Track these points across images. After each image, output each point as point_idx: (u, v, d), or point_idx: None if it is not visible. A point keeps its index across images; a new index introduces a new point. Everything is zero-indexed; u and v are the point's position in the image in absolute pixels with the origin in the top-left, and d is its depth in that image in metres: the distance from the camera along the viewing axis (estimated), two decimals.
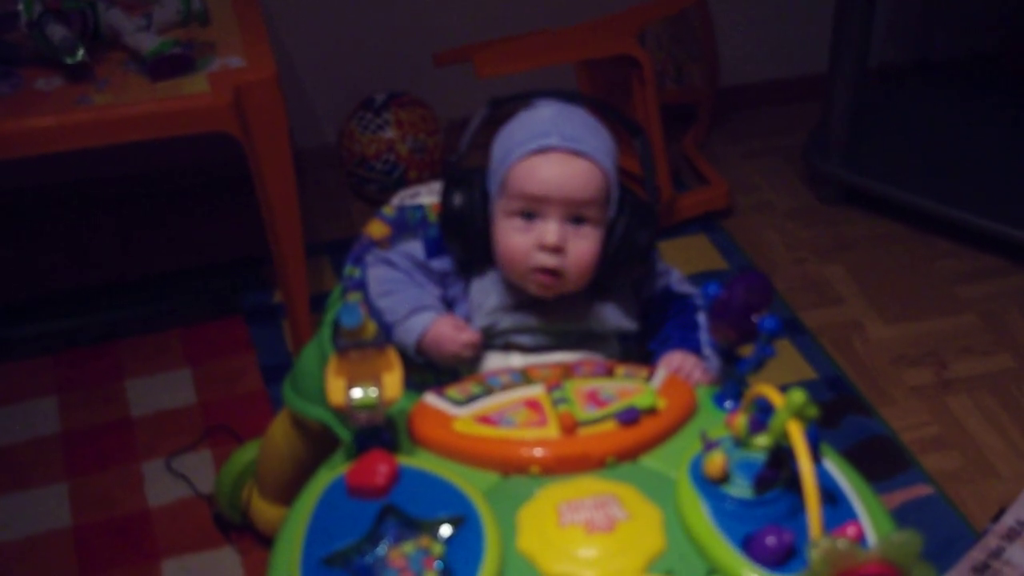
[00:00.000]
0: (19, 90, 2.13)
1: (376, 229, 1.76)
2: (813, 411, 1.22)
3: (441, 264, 1.62)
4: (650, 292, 1.65)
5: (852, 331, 2.62)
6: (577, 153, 1.49)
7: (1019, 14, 3.46)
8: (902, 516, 2.13)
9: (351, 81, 3.04)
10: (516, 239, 1.52)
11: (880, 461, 2.27)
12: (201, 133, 2.13)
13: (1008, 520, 2.14)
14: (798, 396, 1.20)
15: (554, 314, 1.58)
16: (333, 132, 3.03)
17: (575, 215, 1.50)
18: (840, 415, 2.36)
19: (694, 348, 1.58)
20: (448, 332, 1.54)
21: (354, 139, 2.89)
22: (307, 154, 3.09)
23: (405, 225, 1.75)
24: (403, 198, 1.78)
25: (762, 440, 1.27)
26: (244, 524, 2.09)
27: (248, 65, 2.18)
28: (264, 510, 2.02)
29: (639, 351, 1.66)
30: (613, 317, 1.60)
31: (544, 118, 1.52)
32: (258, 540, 2.09)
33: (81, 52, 2.11)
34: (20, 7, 2.10)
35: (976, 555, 2.08)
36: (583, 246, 1.52)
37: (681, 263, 2.74)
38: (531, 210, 1.50)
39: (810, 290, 2.75)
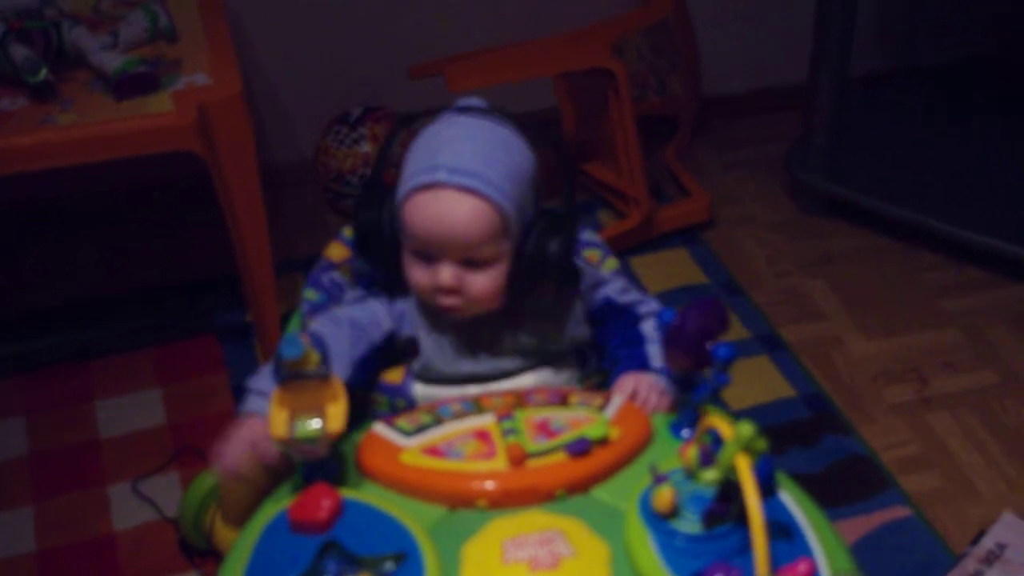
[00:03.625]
0: None
1: (335, 252, 1.74)
2: (762, 444, 1.20)
3: (374, 310, 1.57)
4: (590, 303, 1.61)
5: (833, 347, 2.59)
6: (465, 190, 1.43)
7: (1015, 16, 3.41)
8: (879, 539, 2.12)
9: (328, 95, 3.01)
10: (417, 274, 1.49)
11: (858, 482, 2.24)
12: (166, 152, 2.10)
13: (987, 543, 2.11)
14: (746, 429, 1.18)
15: (497, 338, 1.55)
16: (310, 147, 3.00)
17: (468, 257, 1.46)
18: (818, 434, 2.33)
19: (643, 365, 1.54)
20: (247, 435, 1.43)
21: (330, 154, 2.86)
22: (284, 169, 3.06)
23: None
24: None
25: (710, 474, 1.24)
26: (208, 549, 2.06)
27: (214, 83, 2.16)
28: (228, 535, 1.98)
29: (597, 365, 1.63)
30: (558, 327, 1.57)
31: (439, 143, 1.47)
32: (221, 563, 2.05)
33: (44, 72, 2.09)
34: None
35: None
36: (481, 282, 1.48)
37: (661, 278, 2.75)
38: (425, 250, 1.47)
39: (791, 304, 2.72)
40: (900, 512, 2.18)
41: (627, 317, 1.61)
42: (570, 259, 1.51)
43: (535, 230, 1.48)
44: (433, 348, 1.55)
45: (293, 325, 1.74)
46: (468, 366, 1.55)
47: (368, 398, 1.57)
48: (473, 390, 1.54)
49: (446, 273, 1.46)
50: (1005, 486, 2.26)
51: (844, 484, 2.23)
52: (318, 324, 1.54)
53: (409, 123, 1.56)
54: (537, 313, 1.56)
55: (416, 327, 1.56)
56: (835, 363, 2.54)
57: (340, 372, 1.39)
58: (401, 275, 1.53)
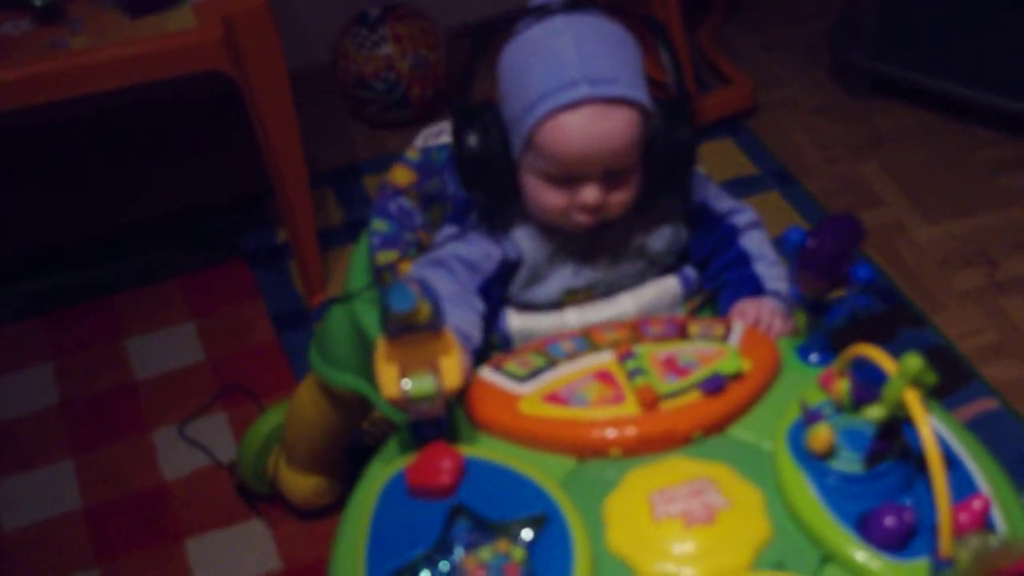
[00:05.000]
0: None
1: (401, 176, 1.59)
2: (931, 377, 1.10)
3: (480, 242, 1.45)
4: (691, 204, 1.50)
5: (895, 233, 2.48)
6: (612, 101, 1.31)
7: None
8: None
9: None
10: (551, 197, 1.37)
11: (940, 375, 2.14)
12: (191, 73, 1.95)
13: None
14: (914, 362, 1.08)
15: (603, 248, 1.44)
16: (325, 50, 2.82)
17: (611, 169, 1.35)
18: (893, 328, 2.23)
19: (756, 288, 1.44)
20: None
21: (350, 58, 2.70)
22: (297, 76, 2.87)
23: (431, 168, 1.59)
24: (426, 138, 1.62)
25: (875, 411, 1.14)
26: (271, 494, 1.96)
27: None
28: (293, 479, 1.89)
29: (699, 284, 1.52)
30: (666, 234, 1.47)
31: (565, 52, 1.33)
32: (288, 510, 1.97)
33: None
34: None
35: None
36: (624, 194, 1.38)
37: (709, 171, 2.60)
38: (566, 174, 1.35)
39: (846, 192, 2.60)
40: (988, 404, 2.11)
41: (724, 230, 1.51)
42: (695, 148, 1.40)
43: (659, 123, 1.37)
44: (543, 264, 1.44)
45: (359, 259, 1.61)
46: (580, 278, 1.45)
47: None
48: (572, 317, 1.43)
49: (592, 193, 1.35)
50: None
51: None
52: (422, 269, 1.41)
53: (497, 31, 1.40)
54: (657, 214, 1.45)
55: (521, 247, 1.44)
56: (899, 251, 2.44)
57: (461, 318, 1.32)
58: (515, 201, 1.41)
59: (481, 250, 1.43)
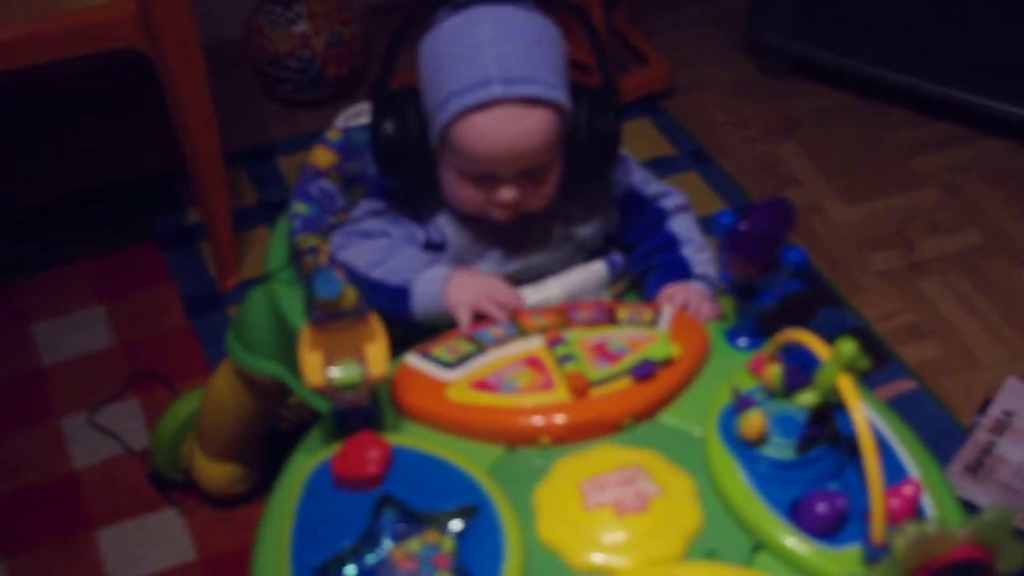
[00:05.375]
0: None
1: (321, 157, 1.56)
2: (864, 363, 1.08)
3: (405, 224, 1.44)
4: (615, 190, 1.49)
5: (813, 214, 2.48)
6: (527, 101, 1.28)
7: None
8: None
9: None
10: (468, 194, 1.36)
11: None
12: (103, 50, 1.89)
13: (995, 411, 2.06)
14: (848, 347, 1.07)
15: (530, 236, 1.43)
16: (238, 27, 2.75)
17: (528, 168, 1.33)
18: (813, 309, 2.23)
19: (684, 272, 1.43)
20: (483, 282, 1.35)
21: (263, 36, 2.64)
22: (210, 53, 2.79)
23: (352, 149, 1.56)
24: (347, 118, 1.59)
25: (808, 397, 1.14)
26: (185, 482, 1.91)
27: None
28: (208, 467, 1.85)
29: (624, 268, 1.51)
30: (594, 220, 1.46)
31: (481, 47, 1.29)
32: (203, 499, 1.91)
33: None
34: None
35: (968, 452, 1.99)
36: (542, 190, 1.37)
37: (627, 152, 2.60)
38: (481, 172, 1.33)
39: (764, 172, 2.60)
40: (906, 385, 2.12)
41: (652, 214, 1.50)
42: (620, 136, 1.38)
43: (582, 113, 1.35)
44: (467, 251, 1.42)
45: (277, 241, 1.56)
46: (506, 266, 1.43)
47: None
48: None
49: (508, 192, 1.33)
50: (1005, 351, 2.20)
51: None
52: (348, 240, 1.40)
53: (419, 20, 1.36)
54: (585, 200, 1.44)
55: (445, 232, 1.42)
56: (817, 232, 2.45)
57: (413, 254, 1.37)
58: (435, 190, 1.39)
59: (406, 231, 1.41)
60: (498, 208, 1.36)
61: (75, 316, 2.25)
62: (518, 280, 1.42)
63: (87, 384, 2.12)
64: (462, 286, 1.33)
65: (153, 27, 1.90)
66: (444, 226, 1.42)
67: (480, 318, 1.32)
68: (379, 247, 1.39)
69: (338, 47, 2.64)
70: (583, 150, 1.36)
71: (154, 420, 1.94)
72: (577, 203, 1.44)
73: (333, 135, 1.56)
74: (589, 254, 1.48)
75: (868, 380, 2.08)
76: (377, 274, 1.36)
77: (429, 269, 1.36)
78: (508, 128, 1.28)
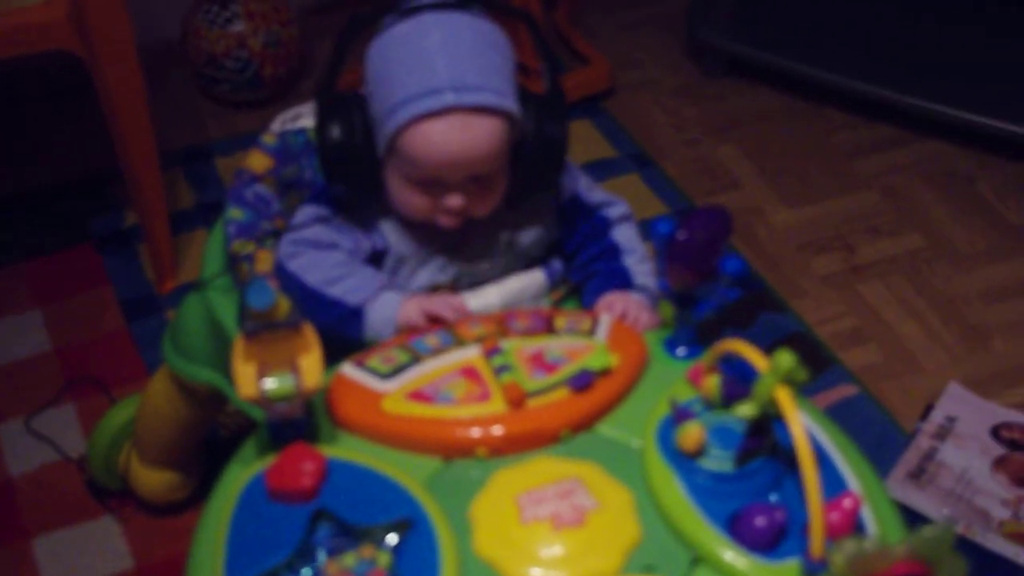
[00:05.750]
0: None
1: (257, 161, 1.53)
2: (802, 375, 1.09)
3: (348, 231, 1.43)
4: (563, 197, 1.48)
5: (753, 217, 2.49)
6: (478, 110, 1.28)
7: None
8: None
9: None
10: (415, 200, 1.35)
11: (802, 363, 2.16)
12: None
13: (936, 417, 2.07)
14: (785, 359, 1.07)
15: (472, 243, 1.43)
16: (174, 26, 2.72)
17: (476, 175, 1.33)
18: (754, 313, 2.23)
19: (625, 282, 1.43)
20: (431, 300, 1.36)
21: (200, 36, 2.61)
22: (145, 53, 2.76)
23: (289, 154, 1.54)
24: (283, 122, 1.57)
25: (746, 409, 1.13)
26: (123, 490, 1.89)
27: None
28: (146, 474, 1.83)
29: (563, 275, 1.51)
30: (537, 229, 1.46)
31: (431, 55, 1.29)
32: (140, 506, 1.89)
33: None
34: None
35: (910, 458, 2.00)
36: (489, 198, 1.37)
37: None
38: (429, 179, 1.32)
39: (705, 175, 2.60)
40: (847, 390, 2.13)
41: (596, 221, 1.49)
42: (567, 143, 1.38)
43: (529, 120, 1.35)
44: (409, 257, 1.42)
45: (213, 247, 1.55)
46: (446, 273, 1.43)
47: None
48: None
49: (456, 199, 1.33)
50: (946, 356, 2.21)
51: None
52: (297, 262, 1.39)
53: (366, 24, 1.35)
54: (528, 209, 1.44)
55: (388, 239, 1.42)
56: (758, 235, 2.45)
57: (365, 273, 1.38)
58: (379, 195, 1.39)
59: (353, 240, 1.41)
60: (445, 214, 1.35)
61: (10, 320, 2.22)
62: (458, 287, 1.43)
63: (23, 390, 2.09)
64: (413, 303, 1.34)
65: (87, 30, 1.87)
66: (388, 232, 1.41)
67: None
68: (335, 262, 1.38)
69: (276, 47, 2.61)
70: (531, 157, 1.36)
71: (91, 426, 1.92)
72: (520, 212, 1.43)
73: (269, 139, 1.54)
74: (530, 261, 1.48)
75: (809, 386, 2.09)
76: (335, 292, 1.36)
77: (384, 292, 1.36)
78: (458, 136, 1.28)
